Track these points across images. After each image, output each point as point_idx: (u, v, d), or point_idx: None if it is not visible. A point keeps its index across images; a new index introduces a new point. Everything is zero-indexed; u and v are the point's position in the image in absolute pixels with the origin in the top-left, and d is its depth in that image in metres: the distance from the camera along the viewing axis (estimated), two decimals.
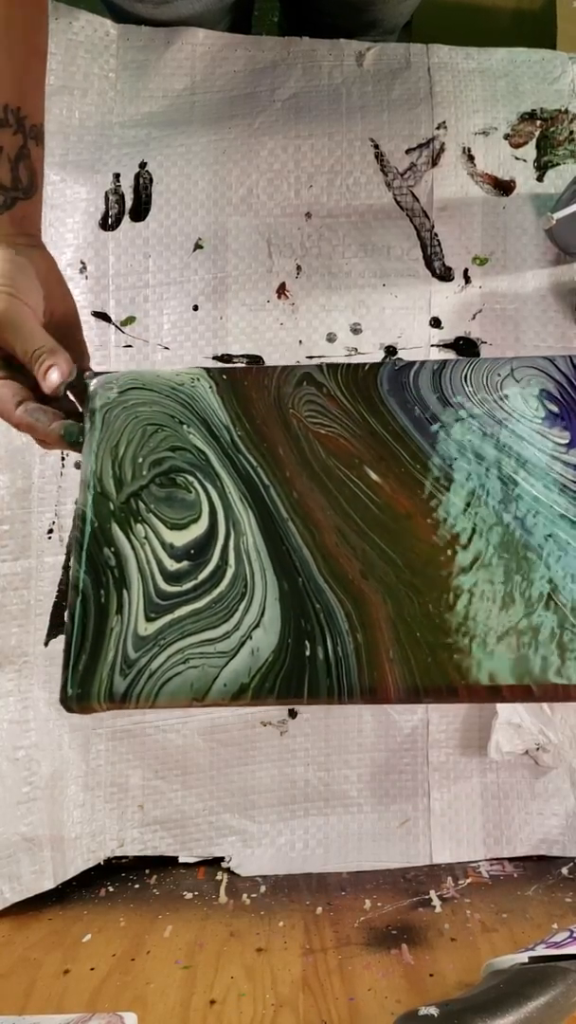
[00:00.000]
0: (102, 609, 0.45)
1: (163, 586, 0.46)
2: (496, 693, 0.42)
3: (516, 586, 0.44)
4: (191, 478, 0.48)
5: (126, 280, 0.77)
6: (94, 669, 0.44)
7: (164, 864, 0.75)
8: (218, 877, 0.73)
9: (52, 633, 0.74)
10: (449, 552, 0.45)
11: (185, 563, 0.46)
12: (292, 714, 0.76)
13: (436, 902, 0.69)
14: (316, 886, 0.73)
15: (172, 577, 0.46)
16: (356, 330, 0.77)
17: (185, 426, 0.49)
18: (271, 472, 0.48)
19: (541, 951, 0.53)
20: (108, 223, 0.77)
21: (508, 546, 0.45)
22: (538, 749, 0.74)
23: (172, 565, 0.46)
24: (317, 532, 0.47)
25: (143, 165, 0.77)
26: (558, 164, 0.79)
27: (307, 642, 0.44)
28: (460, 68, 0.80)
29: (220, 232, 0.77)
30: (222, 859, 0.75)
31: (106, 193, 0.77)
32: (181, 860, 0.75)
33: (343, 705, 0.43)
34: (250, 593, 0.46)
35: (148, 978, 0.60)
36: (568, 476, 0.47)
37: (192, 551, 0.47)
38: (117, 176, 0.77)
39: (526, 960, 0.52)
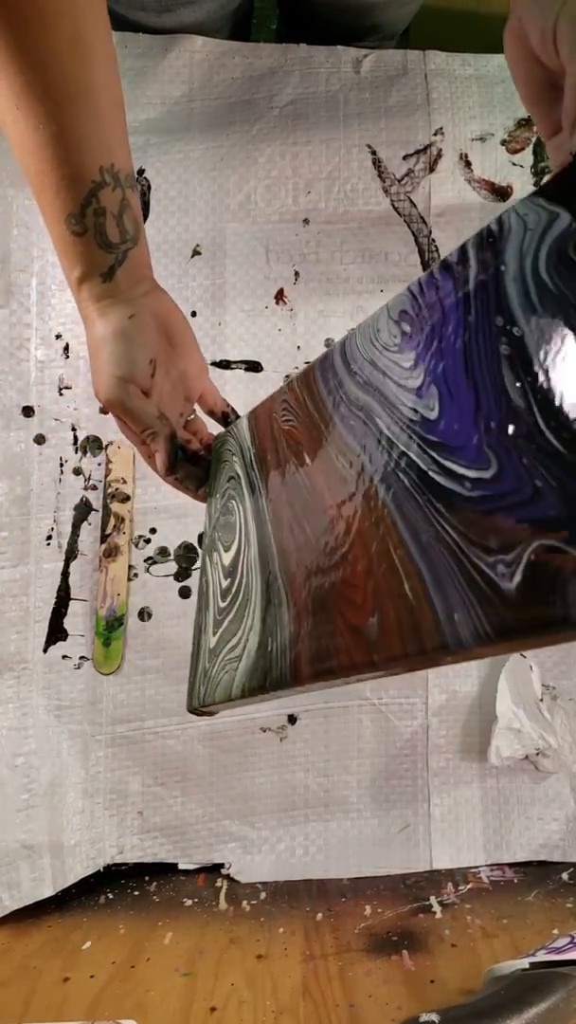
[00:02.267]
0: (198, 630, 0.51)
1: (220, 603, 0.51)
2: (353, 665, 0.39)
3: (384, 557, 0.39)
4: (235, 503, 0.53)
5: None
6: (194, 680, 0.50)
7: (164, 871, 0.75)
8: (218, 884, 0.73)
9: (51, 640, 0.73)
10: (336, 523, 0.42)
11: (228, 580, 0.51)
12: (292, 720, 0.75)
13: (436, 908, 0.69)
14: (316, 892, 0.72)
15: (224, 594, 0.51)
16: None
17: (235, 456, 0.55)
18: (263, 481, 0.51)
19: (542, 957, 0.53)
20: None
21: (370, 503, 0.40)
22: (538, 754, 0.74)
23: (224, 583, 0.51)
24: (279, 529, 0.47)
25: (141, 172, 0.77)
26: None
27: (270, 638, 0.44)
28: (457, 74, 0.80)
29: (218, 238, 0.77)
30: (222, 866, 0.74)
31: None
32: (181, 867, 0.75)
33: (287, 692, 0.43)
34: (252, 601, 0.48)
35: (148, 985, 0.60)
36: (409, 405, 0.39)
37: (232, 568, 0.51)
38: None
39: (527, 966, 0.52)
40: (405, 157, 0.78)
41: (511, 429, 0.35)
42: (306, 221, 0.78)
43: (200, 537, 0.76)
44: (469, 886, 0.73)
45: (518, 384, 0.35)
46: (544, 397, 0.34)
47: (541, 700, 0.74)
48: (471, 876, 0.74)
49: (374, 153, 0.78)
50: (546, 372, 0.34)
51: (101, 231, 0.50)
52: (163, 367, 0.56)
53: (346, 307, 0.77)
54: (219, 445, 0.58)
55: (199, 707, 0.49)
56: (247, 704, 0.47)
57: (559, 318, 0.35)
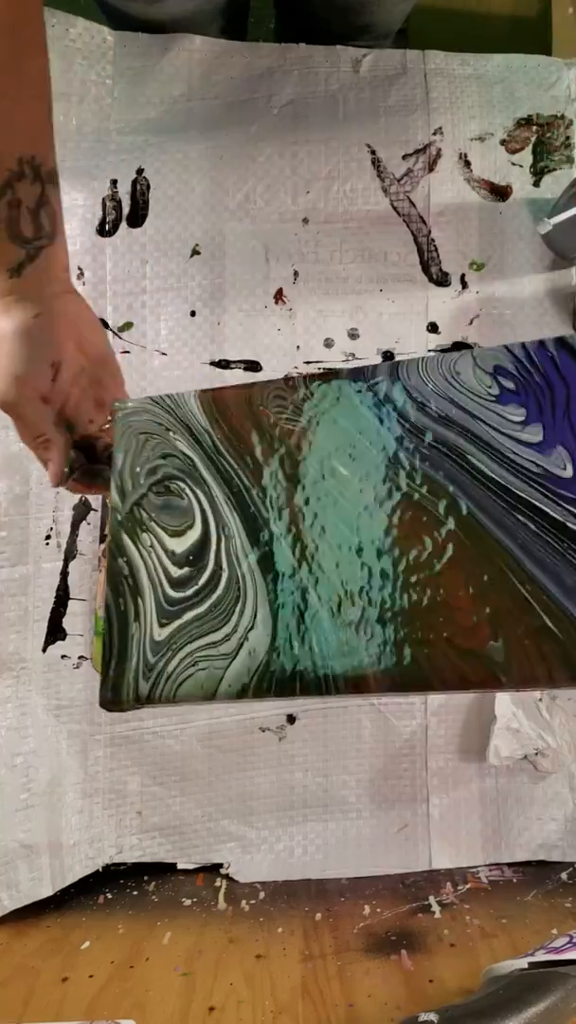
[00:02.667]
0: (123, 617, 0.47)
1: (170, 592, 0.48)
2: (469, 683, 0.43)
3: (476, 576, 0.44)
4: (182, 484, 0.50)
5: (123, 286, 0.77)
6: (122, 673, 0.47)
7: (163, 871, 0.75)
8: (217, 884, 0.73)
9: (49, 640, 0.73)
10: (402, 544, 0.45)
11: (187, 569, 0.48)
12: (291, 720, 0.75)
13: (435, 908, 0.69)
14: (315, 892, 0.72)
15: (177, 583, 0.48)
16: (353, 335, 0.77)
17: (171, 432, 0.51)
18: (250, 474, 0.49)
19: (541, 957, 0.53)
20: (105, 229, 0.77)
21: (473, 536, 0.44)
22: (537, 754, 0.74)
23: (176, 571, 0.48)
24: (297, 532, 0.47)
25: (140, 171, 0.77)
26: (554, 169, 0.79)
27: (294, 641, 0.45)
28: (456, 74, 0.80)
29: (217, 238, 0.77)
30: (221, 865, 0.74)
31: (103, 199, 0.77)
32: (180, 867, 0.75)
33: (331, 698, 0.44)
34: (243, 596, 0.47)
35: (147, 985, 0.60)
36: (526, 456, 0.45)
37: (191, 556, 0.48)
38: (114, 182, 0.77)
39: (526, 966, 0.52)
40: (404, 157, 0.78)
41: None
42: (305, 221, 0.78)
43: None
44: (468, 886, 0.73)
45: None
46: None
47: (540, 700, 0.74)
48: (470, 876, 0.74)
49: (373, 153, 0.78)
50: None
51: (13, 224, 0.49)
52: (71, 372, 0.54)
53: (345, 307, 0.77)
54: (127, 414, 0.52)
55: (129, 701, 0.46)
56: (211, 705, 0.46)
57: None
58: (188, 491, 0.50)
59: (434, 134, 0.78)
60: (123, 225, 0.77)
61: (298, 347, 0.77)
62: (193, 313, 0.77)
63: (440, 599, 0.44)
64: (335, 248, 0.78)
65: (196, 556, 0.48)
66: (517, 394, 0.46)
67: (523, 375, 0.47)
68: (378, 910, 0.69)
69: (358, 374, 0.49)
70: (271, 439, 0.50)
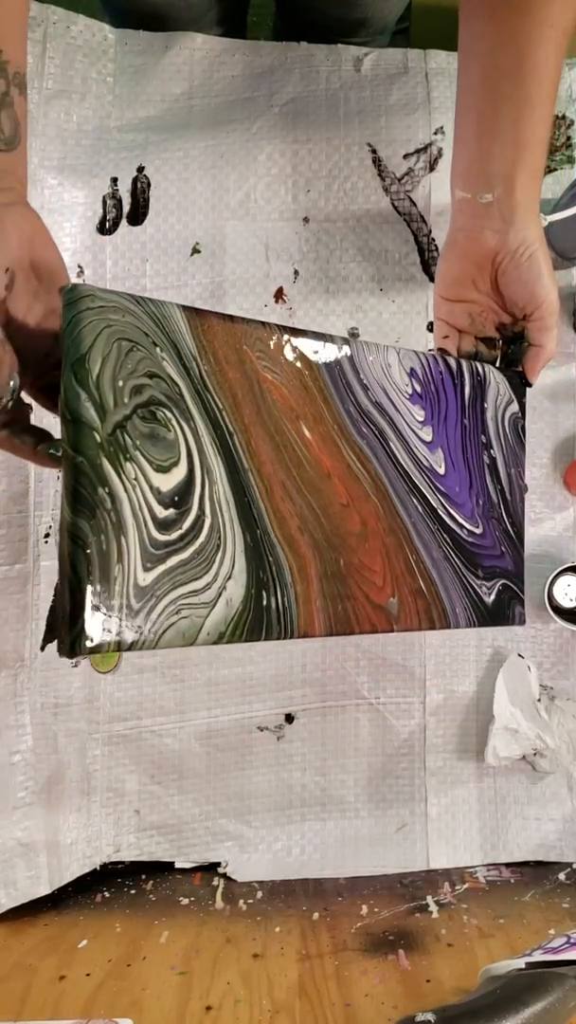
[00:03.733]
0: (105, 556, 0.41)
1: (156, 535, 0.43)
2: (375, 630, 0.52)
3: (394, 546, 0.54)
4: (169, 414, 0.45)
5: (124, 284, 0.77)
6: (103, 618, 0.41)
7: (160, 869, 0.75)
8: (214, 883, 0.73)
9: (48, 637, 0.73)
10: (351, 513, 0.52)
11: (172, 511, 0.44)
12: (289, 719, 0.75)
13: (433, 907, 0.69)
14: (313, 891, 0.72)
15: (162, 525, 0.44)
16: (354, 334, 0.77)
17: (159, 349, 0.45)
18: (234, 418, 0.47)
19: (538, 957, 0.53)
20: (106, 227, 0.77)
21: (388, 510, 0.54)
22: (535, 754, 0.74)
23: (161, 512, 0.44)
24: (269, 486, 0.48)
25: (141, 169, 0.77)
26: (555, 169, 0.79)
27: (264, 592, 0.47)
28: (457, 74, 0.80)
29: (218, 236, 0.77)
30: (218, 864, 0.74)
31: (104, 197, 0.77)
32: (177, 866, 0.75)
33: (283, 640, 0.49)
34: (223, 545, 0.46)
35: (144, 984, 0.60)
36: (422, 451, 0.56)
37: (176, 497, 0.44)
38: (115, 180, 0.77)
39: (523, 966, 0.52)
40: (405, 156, 0.78)
41: (491, 512, 0.60)
42: (306, 220, 0.78)
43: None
44: (466, 886, 0.73)
45: (495, 487, 0.61)
46: (505, 502, 0.62)
47: (539, 700, 0.74)
48: (468, 876, 0.74)
49: (374, 152, 0.78)
50: (510, 491, 0.62)
51: None
52: (24, 295, 0.48)
53: (345, 306, 0.77)
54: (100, 306, 0.43)
55: (109, 648, 0.42)
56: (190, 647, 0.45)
57: (514, 465, 0.63)
58: (175, 423, 0.45)
59: (435, 133, 0.78)
60: (123, 223, 0.77)
61: None
62: None
63: (363, 563, 0.52)
64: (335, 247, 0.78)
65: (181, 498, 0.44)
66: (422, 397, 0.57)
67: (426, 381, 0.57)
68: (376, 910, 0.69)
69: (320, 339, 0.53)
70: (253, 385, 0.49)
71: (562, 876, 0.74)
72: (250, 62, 0.80)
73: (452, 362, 0.59)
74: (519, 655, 0.76)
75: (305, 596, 0.49)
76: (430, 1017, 0.48)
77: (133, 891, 0.73)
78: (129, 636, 0.42)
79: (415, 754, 0.76)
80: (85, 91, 0.78)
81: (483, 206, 0.59)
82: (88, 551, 0.41)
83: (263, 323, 0.50)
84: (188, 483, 0.45)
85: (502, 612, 0.61)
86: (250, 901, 0.71)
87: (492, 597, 0.60)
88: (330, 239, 0.77)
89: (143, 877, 0.74)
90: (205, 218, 0.77)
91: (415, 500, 0.55)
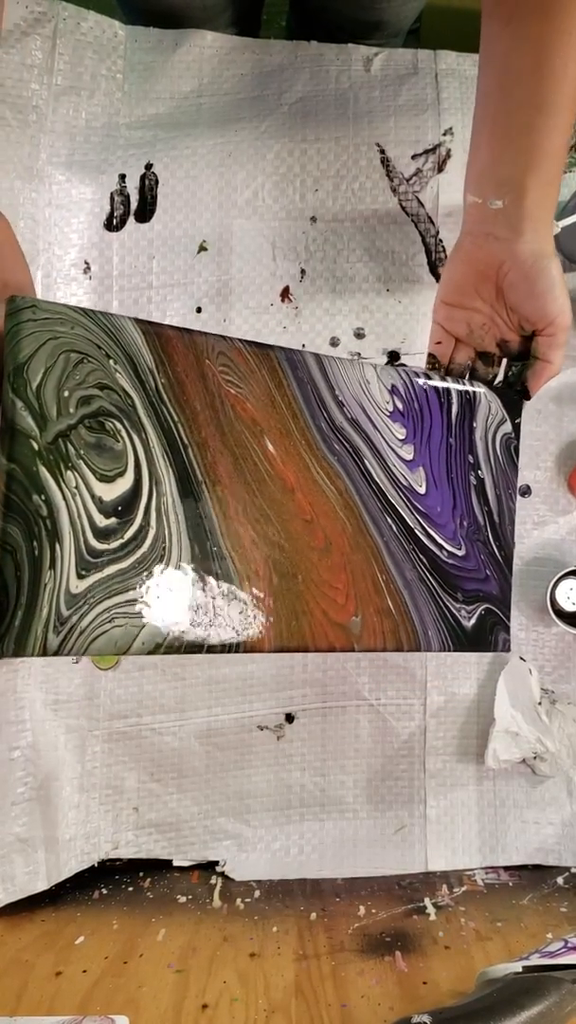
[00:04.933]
0: (36, 563, 0.42)
1: (93, 543, 0.44)
2: (333, 648, 0.52)
3: (359, 564, 0.53)
4: (119, 425, 0.45)
5: (130, 281, 0.77)
6: (29, 625, 0.42)
7: (158, 867, 0.75)
8: (212, 881, 0.73)
9: None
10: (314, 529, 0.51)
11: (113, 520, 0.44)
12: (289, 719, 0.75)
13: (431, 910, 0.69)
14: (310, 892, 0.72)
15: (101, 534, 0.44)
16: (359, 335, 0.77)
17: (112, 361, 0.45)
18: (190, 431, 0.47)
19: (535, 960, 0.53)
20: (113, 224, 0.77)
21: (356, 527, 0.53)
22: (535, 758, 0.73)
23: (101, 521, 0.44)
24: (224, 498, 0.48)
25: (149, 167, 0.77)
26: (564, 172, 0.79)
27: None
28: (468, 75, 0.80)
29: (225, 235, 0.77)
30: (216, 863, 0.74)
31: (111, 194, 0.77)
32: (175, 863, 0.75)
33: (237, 655, 0.52)
34: (167, 555, 0.46)
35: (140, 981, 0.60)
36: (401, 470, 0.55)
37: (119, 507, 0.45)
38: (123, 177, 0.77)
39: (520, 969, 0.52)
40: (414, 156, 0.78)
41: (476, 534, 0.58)
42: (313, 219, 0.77)
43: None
44: (464, 888, 0.72)
45: (482, 508, 0.59)
46: (493, 524, 0.59)
47: (540, 704, 0.74)
48: (466, 878, 0.74)
49: (383, 152, 0.78)
50: (499, 512, 0.60)
51: None
52: None
53: (352, 306, 0.77)
54: (46, 318, 0.44)
55: (34, 653, 0.42)
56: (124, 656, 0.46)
57: (504, 487, 0.61)
58: (124, 434, 0.45)
59: (444, 134, 0.78)
60: (131, 220, 0.77)
61: (304, 345, 0.77)
62: (199, 310, 0.77)
63: (323, 579, 0.51)
64: (342, 247, 0.77)
65: (125, 508, 0.45)
66: (403, 415, 0.56)
67: (408, 399, 0.56)
68: (373, 911, 0.69)
69: (291, 355, 0.52)
70: (214, 399, 0.48)
71: (560, 880, 0.73)
72: (260, 60, 0.80)
73: (437, 380, 0.58)
74: (521, 658, 0.75)
75: (253, 614, 0.48)
76: (426, 1019, 0.48)
77: (131, 888, 0.73)
78: (55, 643, 0.42)
79: (415, 756, 0.76)
80: (94, 88, 0.78)
81: (492, 212, 0.58)
82: (17, 556, 0.41)
83: (224, 337, 0.50)
84: (134, 493, 0.45)
85: (483, 637, 0.59)
86: (248, 900, 0.71)
87: (472, 621, 0.58)
88: (337, 239, 0.77)
89: (141, 875, 0.74)
90: (212, 216, 0.77)
91: (389, 519, 0.54)
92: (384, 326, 0.77)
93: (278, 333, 0.77)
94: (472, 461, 0.59)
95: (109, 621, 0.44)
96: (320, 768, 0.75)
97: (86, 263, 0.76)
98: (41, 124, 0.75)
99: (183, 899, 0.71)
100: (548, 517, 0.77)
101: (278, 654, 0.75)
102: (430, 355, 0.65)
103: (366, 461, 0.54)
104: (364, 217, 0.77)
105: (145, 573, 0.45)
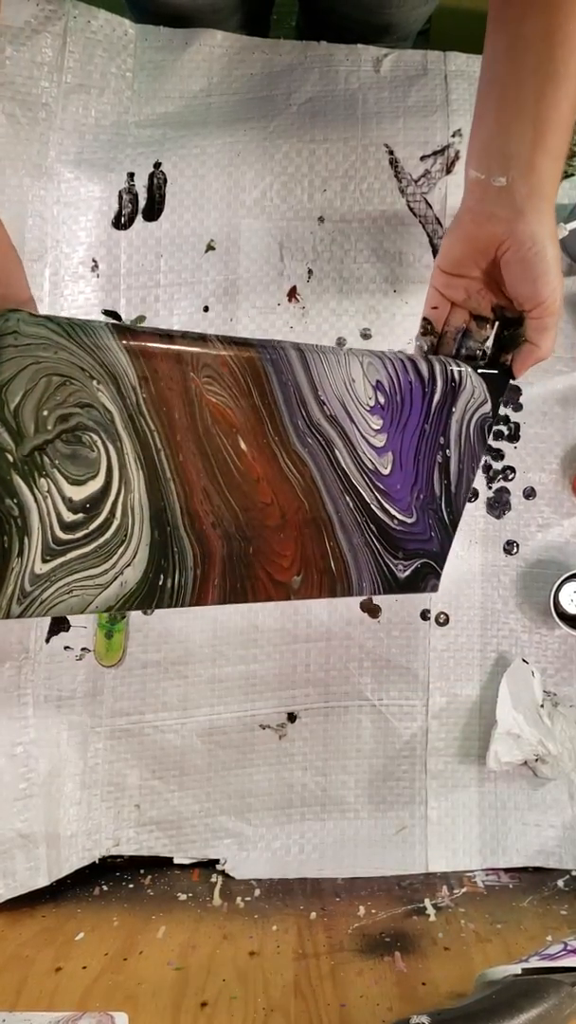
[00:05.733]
0: (4, 553, 0.47)
1: (59, 534, 0.48)
2: (270, 598, 0.57)
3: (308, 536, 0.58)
4: (96, 437, 0.48)
5: (137, 279, 0.77)
6: None
7: (159, 865, 0.75)
8: (212, 879, 0.73)
9: (53, 630, 0.74)
10: (272, 510, 0.55)
11: (80, 515, 0.49)
12: (291, 718, 0.75)
13: (430, 910, 0.69)
14: (311, 891, 0.72)
15: (67, 527, 0.49)
16: (366, 335, 0.77)
17: (95, 382, 0.47)
18: (165, 436, 0.50)
19: (535, 963, 0.53)
20: (121, 222, 0.77)
21: (312, 505, 0.57)
22: (537, 760, 0.73)
23: (69, 517, 0.48)
24: (189, 493, 0.52)
25: (157, 165, 0.77)
26: (572, 175, 0.79)
27: (162, 575, 0.52)
28: (477, 76, 0.79)
29: (232, 234, 0.77)
30: (217, 861, 0.74)
31: (120, 192, 0.77)
32: (176, 861, 0.75)
33: (174, 608, 0.54)
34: (128, 541, 0.50)
35: (140, 978, 0.60)
36: (369, 455, 0.58)
37: (88, 505, 0.49)
38: (131, 176, 0.77)
39: (519, 972, 0.52)
40: (422, 158, 0.78)
41: (430, 504, 0.62)
42: (321, 219, 0.78)
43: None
44: (464, 890, 0.72)
45: (441, 482, 0.62)
46: (449, 495, 0.63)
47: (542, 706, 0.74)
48: (466, 880, 0.74)
49: (391, 153, 0.78)
50: (457, 484, 0.63)
51: None
52: None
53: (359, 306, 0.77)
54: (27, 343, 0.45)
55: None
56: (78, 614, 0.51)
57: (468, 461, 0.63)
58: (100, 444, 0.49)
59: (453, 136, 0.78)
60: (139, 219, 0.77)
61: None
62: (206, 308, 0.77)
63: (273, 549, 0.56)
64: (350, 247, 0.78)
65: (93, 505, 0.49)
66: (384, 408, 0.58)
67: (392, 392, 0.58)
68: (373, 911, 0.69)
69: (276, 358, 0.53)
70: (192, 403, 0.51)
71: (561, 883, 0.73)
72: (269, 60, 0.80)
73: (424, 368, 0.59)
74: (523, 660, 0.75)
75: (204, 576, 0.54)
76: (425, 1020, 0.48)
77: (131, 885, 0.73)
78: (16, 611, 0.48)
79: (416, 757, 0.76)
80: (104, 86, 0.78)
81: (495, 190, 0.57)
82: None
83: (204, 338, 0.51)
84: (103, 492, 0.49)
85: (415, 584, 0.64)
86: (248, 899, 0.71)
87: (407, 573, 0.63)
88: (345, 239, 0.77)
89: (141, 872, 0.74)
90: (220, 215, 0.77)
91: (348, 497, 0.58)
92: (391, 327, 0.77)
93: (285, 333, 0.77)
94: (443, 442, 0.61)
95: (67, 593, 0.49)
96: (321, 768, 0.75)
97: (94, 261, 0.76)
98: (50, 122, 0.75)
99: (183, 897, 0.71)
100: (552, 520, 0.77)
101: (280, 654, 0.75)
102: (424, 319, 0.65)
103: (336, 451, 0.57)
104: (372, 218, 0.77)
105: (106, 555, 0.50)
